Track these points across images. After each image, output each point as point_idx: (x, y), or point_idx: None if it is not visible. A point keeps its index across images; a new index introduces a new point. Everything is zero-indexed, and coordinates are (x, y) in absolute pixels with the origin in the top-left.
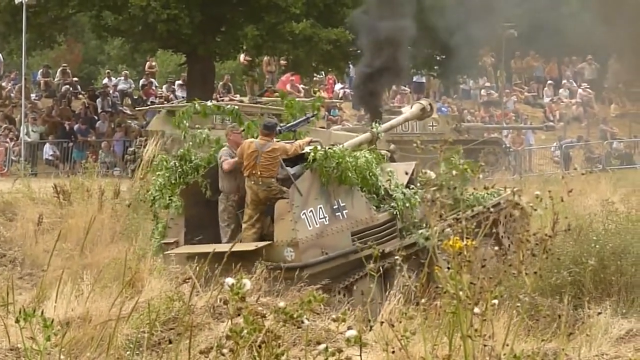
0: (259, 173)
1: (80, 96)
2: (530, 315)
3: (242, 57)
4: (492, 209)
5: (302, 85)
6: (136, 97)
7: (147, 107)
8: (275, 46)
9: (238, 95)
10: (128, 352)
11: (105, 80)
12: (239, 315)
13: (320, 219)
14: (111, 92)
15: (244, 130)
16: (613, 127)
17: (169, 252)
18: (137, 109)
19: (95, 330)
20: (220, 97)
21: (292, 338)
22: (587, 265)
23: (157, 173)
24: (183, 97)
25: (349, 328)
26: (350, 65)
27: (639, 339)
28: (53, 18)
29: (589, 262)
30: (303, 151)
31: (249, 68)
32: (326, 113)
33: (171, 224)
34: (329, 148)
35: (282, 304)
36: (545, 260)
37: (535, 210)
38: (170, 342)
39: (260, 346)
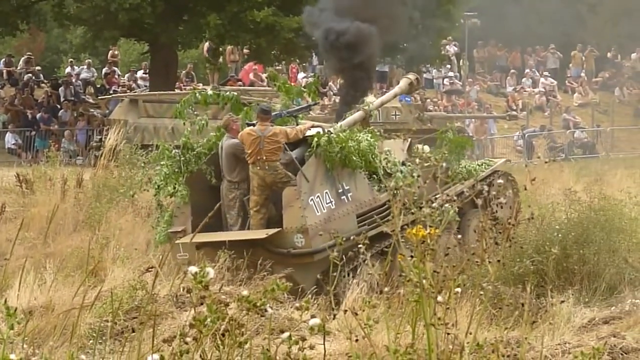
0: (264, 158)
1: (43, 85)
2: (493, 303)
3: (205, 46)
4: (484, 181)
5: (265, 75)
6: (99, 86)
7: (110, 96)
8: (238, 35)
9: (201, 84)
10: (91, 341)
11: (68, 69)
12: (202, 304)
13: (327, 203)
14: (74, 80)
15: (241, 117)
16: (576, 117)
17: (178, 240)
18: (99, 97)
19: (58, 319)
20: (184, 86)
21: (256, 326)
22: (549, 254)
23: (161, 163)
24: (146, 86)
25: (312, 316)
26: (314, 55)
27: (601, 327)
28: (15, 6)
29: (551, 251)
30: (304, 135)
31: (212, 57)
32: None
33: (177, 212)
34: (332, 133)
35: (245, 293)
36: (508, 249)
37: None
38: (134, 330)
39: (223, 335)
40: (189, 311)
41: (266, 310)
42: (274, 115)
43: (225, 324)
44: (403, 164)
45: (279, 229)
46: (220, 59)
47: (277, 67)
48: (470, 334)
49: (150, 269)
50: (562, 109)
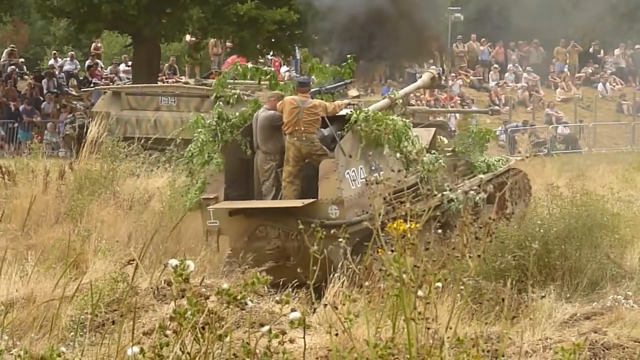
0: (302, 129)
1: (26, 77)
2: (474, 298)
3: (187, 37)
4: (501, 176)
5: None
6: (82, 78)
7: (93, 88)
8: (221, 28)
9: (184, 77)
10: (72, 333)
11: (51, 61)
12: (182, 296)
13: (361, 179)
14: (57, 73)
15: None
16: (559, 112)
17: (212, 207)
18: (82, 90)
19: (39, 311)
20: (166, 78)
21: (236, 320)
22: (531, 250)
23: (198, 130)
24: (128, 79)
25: (293, 310)
26: (296, 48)
27: (582, 323)
28: None
29: (532, 246)
30: (342, 112)
31: (195, 50)
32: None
33: (210, 180)
34: (369, 111)
35: (225, 286)
36: (490, 244)
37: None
38: (114, 323)
39: (203, 327)
40: (170, 304)
41: (246, 304)
42: (313, 92)
43: (204, 317)
44: (427, 151)
45: (314, 200)
46: (201, 53)
47: (261, 61)
48: (451, 328)
49: (131, 262)
50: (545, 104)
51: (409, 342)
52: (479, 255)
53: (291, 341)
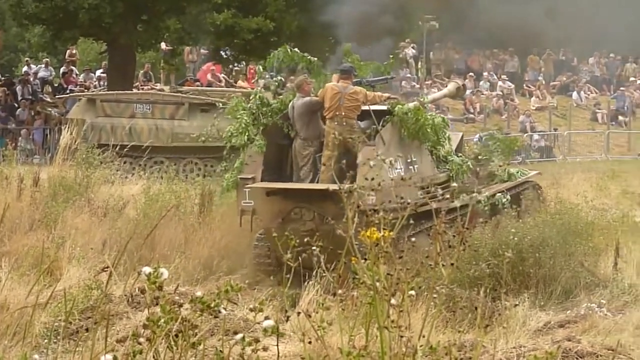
0: (342, 114)
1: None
2: (448, 307)
3: (163, 45)
4: (518, 187)
5: (223, 75)
6: (57, 85)
7: (68, 95)
8: (198, 37)
9: (159, 84)
10: (45, 341)
11: (26, 68)
12: (156, 304)
13: (397, 169)
14: (32, 79)
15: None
16: (534, 120)
17: (249, 186)
18: (57, 97)
19: (13, 318)
20: (141, 85)
21: (210, 328)
22: (505, 258)
23: (241, 112)
24: (103, 86)
25: (266, 318)
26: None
27: (556, 331)
28: None
29: (505, 254)
30: (382, 102)
31: (171, 57)
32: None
33: (249, 160)
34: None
35: (199, 293)
36: (463, 252)
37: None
38: (88, 330)
39: (176, 335)
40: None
41: (220, 312)
42: (355, 82)
43: (178, 325)
44: (455, 154)
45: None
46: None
47: (237, 68)
48: (424, 336)
49: (105, 269)
50: (520, 112)
51: (382, 350)
52: (452, 264)
53: (264, 349)
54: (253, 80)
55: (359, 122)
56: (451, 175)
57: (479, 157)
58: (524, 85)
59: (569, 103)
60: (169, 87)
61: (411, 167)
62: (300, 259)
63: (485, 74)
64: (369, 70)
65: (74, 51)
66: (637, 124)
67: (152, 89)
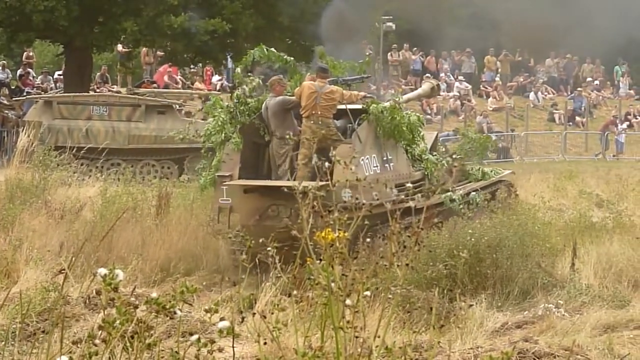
0: (319, 113)
1: None
2: (404, 307)
3: (119, 47)
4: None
5: (179, 77)
6: (13, 87)
7: (24, 97)
8: (154, 39)
9: (115, 86)
10: (2, 342)
11: None
12: (111, 306)
13: (373, 167)
14: None
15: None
16: (491, 121)
17: (227, 183)
18: (14, 99)
19: None
20: (98, 87)
21: (167, 329)
22: (461, 258)
23: (219, 110)
24: (60, 88)
25: (222, 319)
26: (229, 57)
27: (514, 332)
28: None
29: (462, 255)
30: (358, 101)
31: (127, 59)
32: (203, 104)
33: (226, 158)
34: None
35: (154, 295)
36: (419, 253)
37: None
38: (45, 332)
39: (132, 337)
40: (100, 313)
41: (175, 313)
42: (330, 81)
43: (133, 326)
44: (430, 152)
45: (328, 181)
46: (133, 62)
47: (193, 70)
48: (379, 337)
49: (62, 271)
50: (477, 113)
51: (337, 351)
52: (407, 264)
53: (220, 350)
54: (234, 80)
55: (335, 120)
56: (426, 173)
57: (452, 156)
58: (481, 86)
59: (526, 104)
60: (125, 89)
61: (387, 164)
62: (257, 260)
63: (442, 75)
64: (344, 70)
65: (30, 53)
66: (594, 124)
67: (109, 91)
